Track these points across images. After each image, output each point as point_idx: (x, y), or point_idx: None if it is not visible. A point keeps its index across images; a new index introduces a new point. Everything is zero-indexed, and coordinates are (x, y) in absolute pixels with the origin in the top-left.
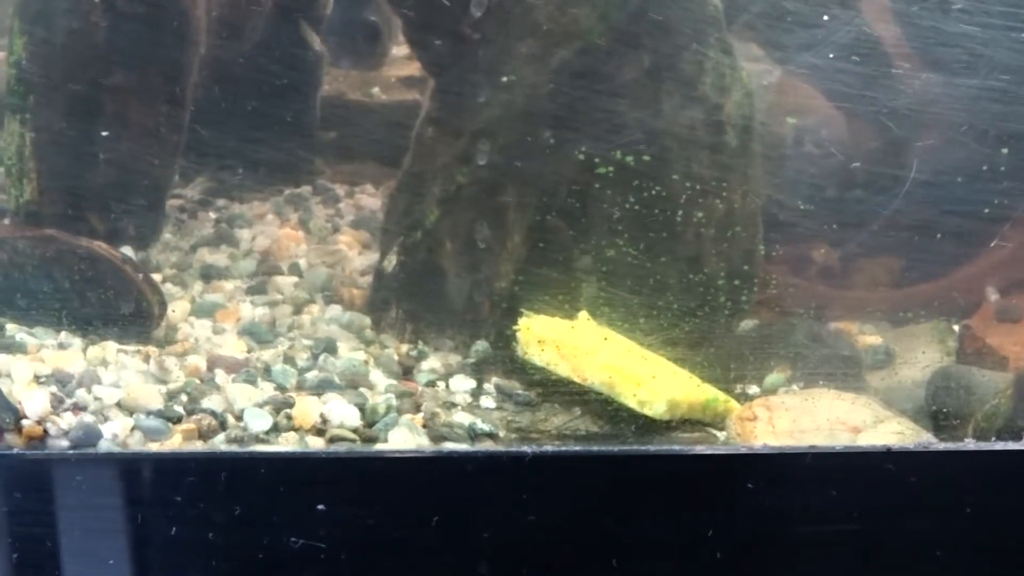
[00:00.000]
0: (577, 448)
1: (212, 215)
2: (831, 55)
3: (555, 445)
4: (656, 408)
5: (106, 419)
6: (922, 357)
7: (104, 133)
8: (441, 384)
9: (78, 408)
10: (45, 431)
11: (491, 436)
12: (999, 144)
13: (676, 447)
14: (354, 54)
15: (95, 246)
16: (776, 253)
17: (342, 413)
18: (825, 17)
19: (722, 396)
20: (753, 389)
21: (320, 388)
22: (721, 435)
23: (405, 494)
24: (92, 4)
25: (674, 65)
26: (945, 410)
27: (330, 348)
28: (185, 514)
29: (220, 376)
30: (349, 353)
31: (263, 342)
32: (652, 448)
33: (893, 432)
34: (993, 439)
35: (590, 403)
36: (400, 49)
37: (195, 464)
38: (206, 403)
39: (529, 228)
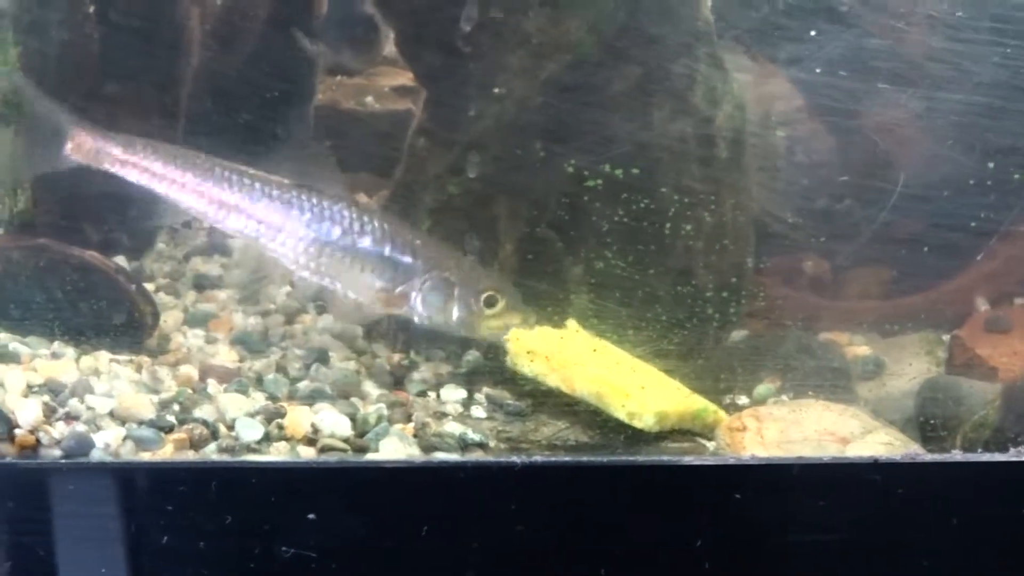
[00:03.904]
0: (566, 458)
1: (205, 225)
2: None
3: (545, 455)
4: (645, 420)
5: (98, 428)
6: (911, 368)
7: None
8: (432, 394)
9: (71, 418)
10: (38, 440)
11: (481, 446)
12: (986, 158)
13: (665, 457)
14: (351, 49)
15: (88, 256)
16: (766, 264)
17: (333, 423)
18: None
19: (712, 407)
20: (743, 399)
21: (312, 398)
22: (711, 445)
23: (395, 504)
24: (86, 16)
25: (664, 78)
26: (933, 421)
27: (322, 358)
28: (177, 523)
29: (212, 386)
30: (341, 363)
31: (255, 352)
32: (641, 458)
33: (881, 443)
34: (980, 450)
35: (580, 413)
36: (393, 57)
37: (187, 474)
38: (198, 413)
39: (520, 239)
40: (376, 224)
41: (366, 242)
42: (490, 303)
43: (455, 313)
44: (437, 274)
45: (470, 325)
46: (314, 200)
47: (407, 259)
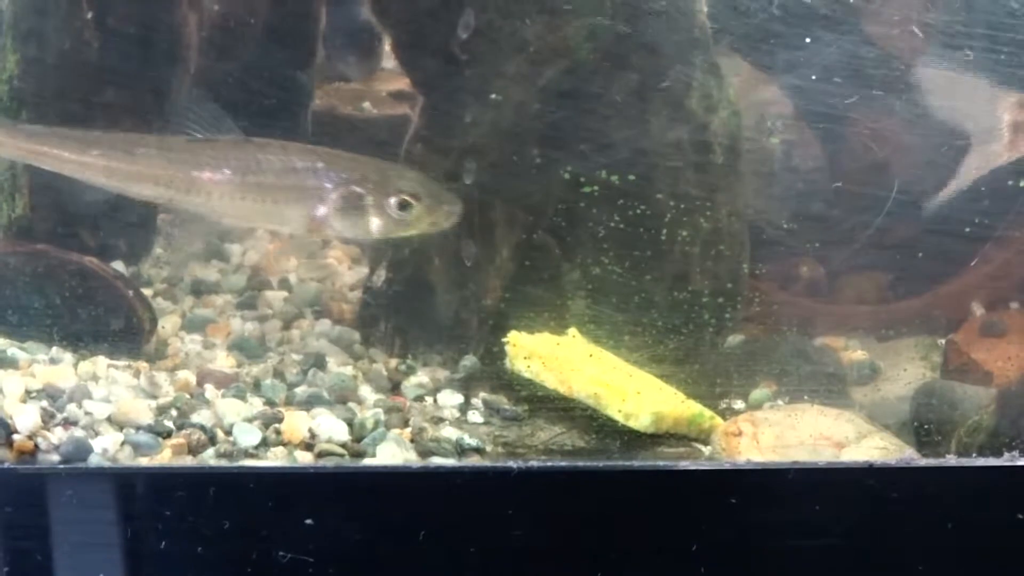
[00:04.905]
0: (563, 463)
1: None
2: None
3: (541, 460)
4: (642, 421)
5: (96, 434)
6: (906, 372)
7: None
8: (429, 399)
9: (69, 423)
10: (36, 446)
11: (478, 451)
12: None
13: (661, 462)
14: (351, 57)
15: (86, 261)
16: (762, 269)
17: (331, 428)
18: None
19: (708, 412)
20: (739, 404)
21: (309, 403)
22: (706, 450)
23: (392, 509)
24: (84, 22)
25: (661, 84)
26: (928, 425)
27: (319, 363)
28: (175, 528)
29: (210, 391)
30: (338, 368)
31: (253, 357)
32: (637, 463)
33: (876, 447)
34: (975, 454)
35: (576, 419)
36: (391, 63)
37: (185, 479)
38: (196, 418)
39: (517, 245)
40: (276, 156)
41: (270, 177)
42: (403, 206)
43: (373, 224)
44: (344, 190)
45: (393, 231)
46: (214, 149)
47: (314, 182)
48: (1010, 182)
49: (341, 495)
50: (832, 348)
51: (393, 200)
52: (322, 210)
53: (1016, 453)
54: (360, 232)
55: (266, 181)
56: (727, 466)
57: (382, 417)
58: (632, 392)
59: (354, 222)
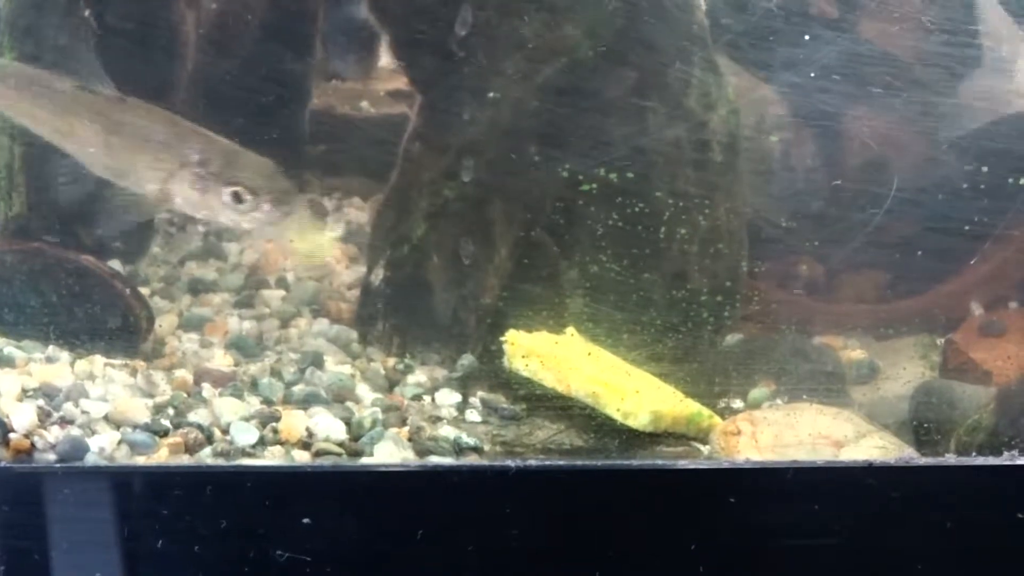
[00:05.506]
0: (561, 462)
1: (200, 228)
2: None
3: (539, 459)
4: (640, 420)
5: (93, 433)
6: (905, 372)
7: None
8: (427, 398)
9: (65, 422)
10: (32, 445)
11: (476, 450)
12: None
13: (659, 461)
14: (349, 56)
15: (83, 260)
16: (760, 268)
17: (328, 427)
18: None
19: (706, 411)
20: (737, 403)
21: (306, 402)
22: (705, 449)
23: (390, 508)
24: (81, 20)
25: (659, 82)
26: (927, 424)
27: (317, 362)
28: (172, 527)
29: (207, 390)
30: (336, 367)
31: (250, 356)
32: (635, 462)
33: (875, 446)
34: (974, 453)
35: (575, 417)
36: (389, 62)
37: (181, 478)
38: (193, 417)
39: (515, 243)
40: (142, 120)
41: (132, 140)
42: (237, 199)
43: (214, 210)
44: (187, 170)
45: (237, 223)
46: (94, 101)
47: (165, 154)
48: (1010, 180)
49: (339, 494)
50: (831, 347)
51: (227, 190)
52: (169, 184)
53: (1015, 452)
54: (204, 215)
55: (130, 144)
56: (726, 465)
57: (380, 416)
58: (630, 391)
59: (194, 204)
